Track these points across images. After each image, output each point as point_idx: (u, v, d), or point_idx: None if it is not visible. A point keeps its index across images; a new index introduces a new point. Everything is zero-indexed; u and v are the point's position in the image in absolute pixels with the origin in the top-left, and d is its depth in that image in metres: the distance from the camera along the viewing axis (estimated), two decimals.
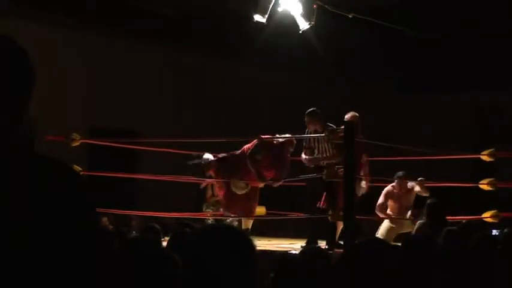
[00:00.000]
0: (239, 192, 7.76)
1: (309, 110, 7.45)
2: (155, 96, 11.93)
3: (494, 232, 6.82)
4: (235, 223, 9.31)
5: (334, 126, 7.22)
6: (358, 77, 13.61)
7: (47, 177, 1.38)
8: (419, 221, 6.68)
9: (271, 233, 9.36)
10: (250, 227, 7.85)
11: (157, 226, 5.21)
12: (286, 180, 7.76)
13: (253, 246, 1.90)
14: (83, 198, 1.41)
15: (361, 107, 12.87)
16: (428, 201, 6.78)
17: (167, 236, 5.26)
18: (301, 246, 6.35)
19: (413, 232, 6.64)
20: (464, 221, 6.85)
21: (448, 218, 7.01)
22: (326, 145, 7.31)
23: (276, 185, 7.66)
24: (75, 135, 7.96)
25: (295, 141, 7.72)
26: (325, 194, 7.22)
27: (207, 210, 9.52)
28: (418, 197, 8.05)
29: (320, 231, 7.28)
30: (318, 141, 7.37)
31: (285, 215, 9.12)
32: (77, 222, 1.37)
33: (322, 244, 7.02)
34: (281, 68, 12.55)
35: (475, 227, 5.26)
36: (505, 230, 4.88)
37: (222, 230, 1.94)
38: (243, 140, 8.03)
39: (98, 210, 1.46)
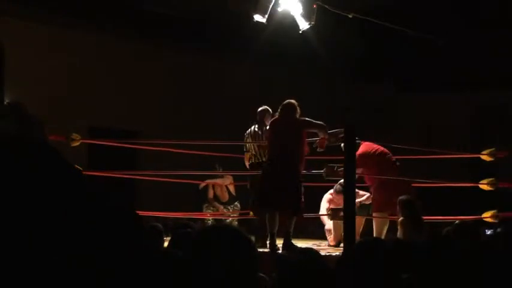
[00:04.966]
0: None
1: (262, 108, 7.90)
2: (155, 96, 11.92)
3: (488, 232, 6.81)
4: (235, 223, 9.33)
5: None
6: (358, 77, 13.61)
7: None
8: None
9: None
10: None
11: (160, 226, 5.15)
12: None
13: (253, 246, 1.90)
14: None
15: (361, 107, 12.95)
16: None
17: (167, 236, 5.26)
18: None
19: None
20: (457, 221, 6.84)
21: (446, 218, 7.02)
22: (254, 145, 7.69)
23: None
24: (75, 135, 7.94)
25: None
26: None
27: (207, 210, 9.52)
28: None
29: None
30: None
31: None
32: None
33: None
34: (281, 68, 12.54)
35: (469, 227, 5.24)
36: (499, 230, 4.87)
37: (222, 230, 1.94)
38: (242, 140, 8.04)
39: None
